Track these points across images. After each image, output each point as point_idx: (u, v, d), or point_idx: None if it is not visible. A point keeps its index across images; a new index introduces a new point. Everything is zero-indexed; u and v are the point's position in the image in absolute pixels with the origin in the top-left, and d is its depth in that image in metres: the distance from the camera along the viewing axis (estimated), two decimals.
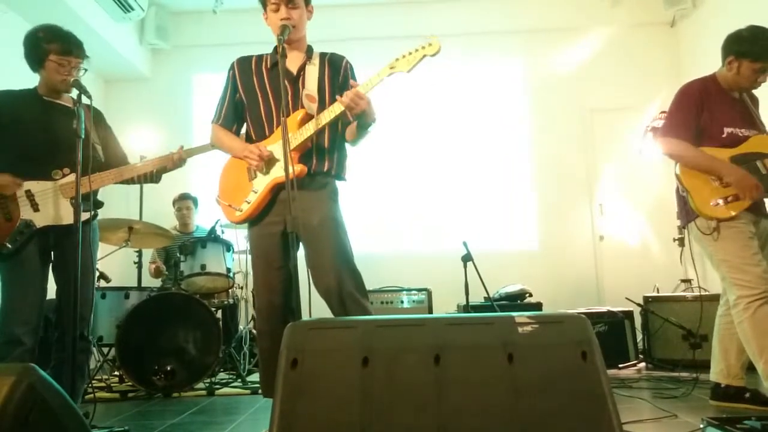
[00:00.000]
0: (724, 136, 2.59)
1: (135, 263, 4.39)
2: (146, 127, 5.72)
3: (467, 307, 4.10)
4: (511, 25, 5.84)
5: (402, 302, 4.61)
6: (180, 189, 4.91)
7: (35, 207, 2.36)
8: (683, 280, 4.69)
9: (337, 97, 2.13)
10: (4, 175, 2.34)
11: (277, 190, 2.21)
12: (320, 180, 2.24)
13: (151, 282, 4.62)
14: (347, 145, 2.39)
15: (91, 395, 3.18)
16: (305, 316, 1.91)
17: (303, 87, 2.26)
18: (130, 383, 3.60)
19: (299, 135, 2.16)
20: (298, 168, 2.13)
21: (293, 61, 2.27)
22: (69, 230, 2.36)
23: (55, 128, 2.41)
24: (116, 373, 3.99)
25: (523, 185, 5.68)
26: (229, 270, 4.09)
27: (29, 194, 2.36)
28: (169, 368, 3.52)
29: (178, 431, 2.62)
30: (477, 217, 5.56)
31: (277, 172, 2.18)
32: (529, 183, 5.68)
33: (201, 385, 3.65)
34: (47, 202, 2.38)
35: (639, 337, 4.17)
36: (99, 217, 2.64)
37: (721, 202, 2.50)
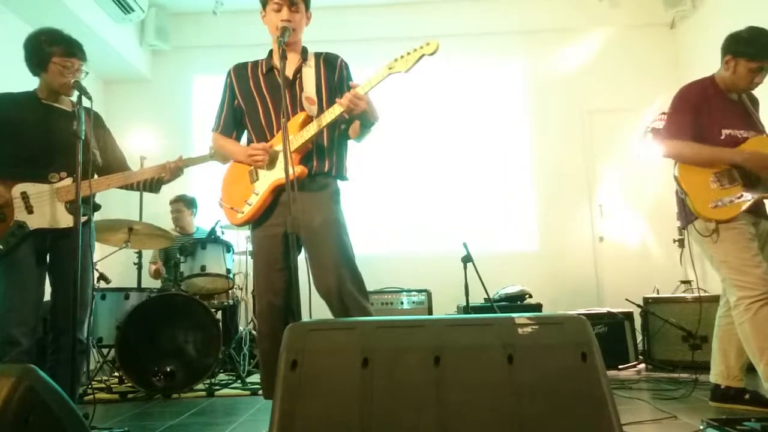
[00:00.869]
0: (722, 137, 2.59)
1: (135, 264, 4.39)
2: (146, 128, 5.73)
3: (467, 308, 4.10)
4: (511, 25, 5.84)
5: (402, 303, 4.61)
6: (180, 191, 4.92)
7: (29, 209, 2.36)
8: (683, 282, 4.68)
9: (337, 99, 2.13)
10: None
11: (278, 192, 2.21)
12: (321, 181, 2.24)
13: (151, 283, 4.62)
14: (348, 144, 2.39)
15: (91, 396, 3.19)
16: (305, 317, 1.91)
17: (301, 89, 2.26)
18: (129, 384, 3.60)
19: (300, 137, 2.16)
20: (299, 169, 2.13)
21: (289, 63, 2.27)
22: (64, 233, 2.36)
23: (54, 131, 2.41)
24: (116, 374, 3.99)
25: (522, 186, 5.68)
26: (229, 271, 4.09)
27: (24, 196, 2.37)
28: (168, 369, 3.52)
29: None
30: (477, 218, 5.56)
31: (278, 174, 2.18)
32: (529, 184, 5.68)
33: (201, 386, 3.64)
34: (42, 205, 2.38)
35: (639, 338, 4.17)
36: (99, 219, 2.65)
37: (720, 203, 2.51)
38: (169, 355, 3.57)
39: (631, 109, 5.59)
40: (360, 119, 2.18)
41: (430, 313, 4.60)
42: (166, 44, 5.87)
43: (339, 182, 2.32)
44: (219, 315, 4.13)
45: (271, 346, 2.12)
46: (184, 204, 4.85)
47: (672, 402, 2.84)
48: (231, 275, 4.11)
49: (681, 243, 4.67)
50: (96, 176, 2.53)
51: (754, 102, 2.78)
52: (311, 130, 2.16)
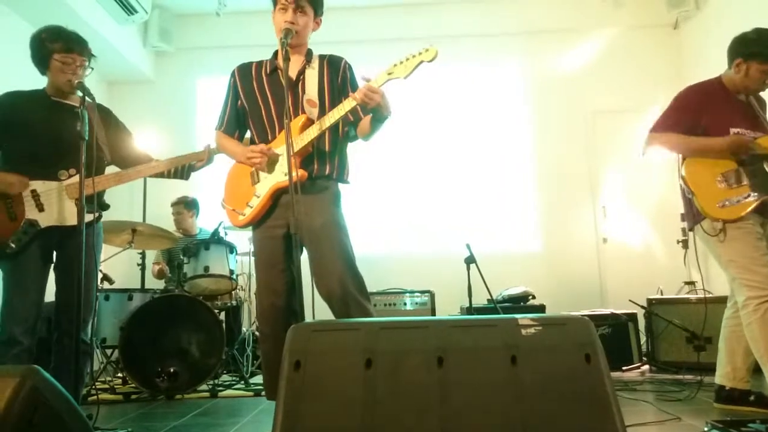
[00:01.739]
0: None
1: (138, 265, 4.40)
2: (149, 130, 5.72)
3: (470, 309, 4.10)
4: (513, 26, 5.84)
5: (405, 304, 4.61)
6: (182, 192, 4.93)
7: (40, 207, 2.37)
8: (687, 282, 4.67)
9: (350, 93, 2.12)
10: (11, 174, 2.35)
11: (278, 194, 2.21)
12: (321, 184, 2.24)
13: (154, 284, 4.63)
14: (351, 146, 2.39)
15: (95, 397, 3.19)
16: (308, 318, 1.91)
17: (303, 92, 2.26)
18: (133, 385, 3.61)
19: (300, 140, 2.16)
20: (299, 173, 2.13)
21: (292, 65, 2.27)
22: (73, 231, 2.36)
23: (62, 129, 2.41)
24: (119, 374, 3.99)
25: (525, 187, 5.67)
26: (232, 272, 4.09)
27: (34, 194, 2.37)
28: (172, 370, 3.52)
29: None
30: (480, 219, 5.55)
31: (278, 177, 2.18)
32: (532, 185, 5.68)
33: (204, 387, 3.65)
34: (52, 203, 2.39)
35: (643, 339, 4.16)
36: (103, 220, 2.65)
37: (727, 203, 2.50)
38: (173, 356, 3.58)
39: (634, 110, 5.58)
40: (373, 113, 2.15)
41: (433, 314, 4.59)
42: (170, 45, 5.89)
43: (340, 185, 2.32)
44: (222, 316, 4.13)
45: (274, 347, 2.12)
46: (184, 206, 4.86)
47: (676, 404, 2.83)
48: (234, 276, 4.12)
49: (685, 244, 4.66)
50: (105, 173, 2.54)
51: (761, 103, 2.77)
52: (312, 132, 2.15)
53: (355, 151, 2.42)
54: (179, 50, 6.00)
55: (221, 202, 2.38)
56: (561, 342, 1.24)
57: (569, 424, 1.16)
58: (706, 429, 2.24)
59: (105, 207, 2.66)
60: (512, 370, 1.21)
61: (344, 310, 2.11)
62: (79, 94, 2.30)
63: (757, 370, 2.50)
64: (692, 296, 4.11)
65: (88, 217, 2.33)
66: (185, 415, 2.99)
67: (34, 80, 2.52)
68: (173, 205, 4.88)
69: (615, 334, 4.02)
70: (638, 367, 4.00)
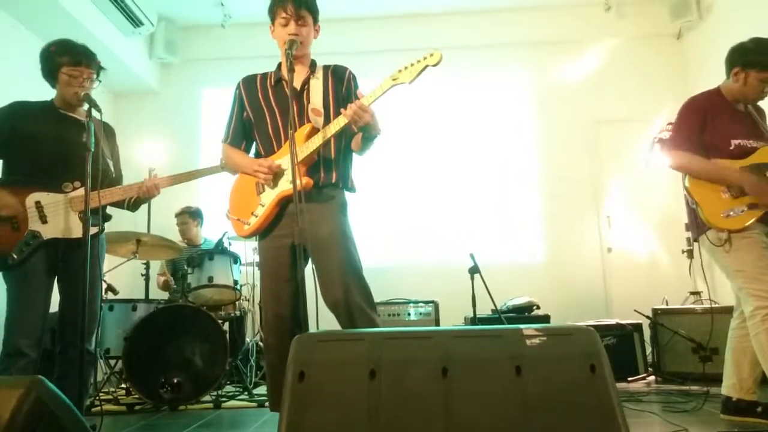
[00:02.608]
0: (732, 148, 2.58)
1: (143, 275, 4.41)
2: (155, 141, 5.78)
3: (474, 320, 4.08)
4: (518, 37, 5.87)
5: (409, 314, 4.60)
6: (187, 202, 4.95)
7: (44, 219, 2.38)
8: (692, 293, 4.64)
9: (342, 110, 2.14)
10: (8, 195, 2.36)
11: (284, 203, 2.21)
12: (328, 192, 2.25)
13: (158, 294, 4.63)
14: (356, 156, 2.40)
15: (99, 408, 3.19)
16: (312, 329, 1.91)
17: (308, 101, 2.28)
18: (137, 396, 3.60)
19: (306, 148, 2.17)
20: (305, 180, 2.13)
21: (297, 75, 2.28)
22: (77, 243, 2.37)
23: (68, 141, 2.43)
24: (123, 385, 3.99)
25: (530, 197, 5.67)
26: (236, 282, 4.09)
27: (38, 206, 2.38)
28: (176, 381, 3.51)
29: None
30: (484, 229, 5.55)
31: (284, 186, 2.19)
32: (536, 195, 5.68)
33: (207, 397, 3.63)
34: (56, 215, 2.40)
35: (648, 350, 4.13)
36: (107, 230, 2.66)
37: (732, 213, 2.49)
38: (176, 366, 3.57)
39: (638, 120, 5.59)
40: (363, 131, 2.18)
41: (438, 324, 4.58)
42: (175, 57, 5.94)
43: (346, 194, 2.32)
44: (226, 326, 4.13)
45: (278, 357, 2.11)
46: (189, 216, 4.88)
47: (682, 414, 2.80)
48: (238, 286, 4.12)
49: (690, 254, 4.64)
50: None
51: (761, 113, 2.77)
52: (316, 141, 2.17)
53: (359, 160, 2.42)
54: (185, 62, 6.05)
55: (226, 213, 2.38)
56: (566, 352, 1.24)
57: None
58: None
59: (108, 218, 2.68)
60: (517, 380, 1.20)
61: (350, 319, 2.11)
62: (86, 106, 2.33)
63: (764, 381, 2.49)
64: (698, 306, 4.08)
65: (92, 230, 2.33)
66: (189, 426, 2.98)
67: (45, 94, 2.55)
68: (177, 215, 4.90)
69: (620, 345, 3.99)
70: (644, 378, 3.97)
